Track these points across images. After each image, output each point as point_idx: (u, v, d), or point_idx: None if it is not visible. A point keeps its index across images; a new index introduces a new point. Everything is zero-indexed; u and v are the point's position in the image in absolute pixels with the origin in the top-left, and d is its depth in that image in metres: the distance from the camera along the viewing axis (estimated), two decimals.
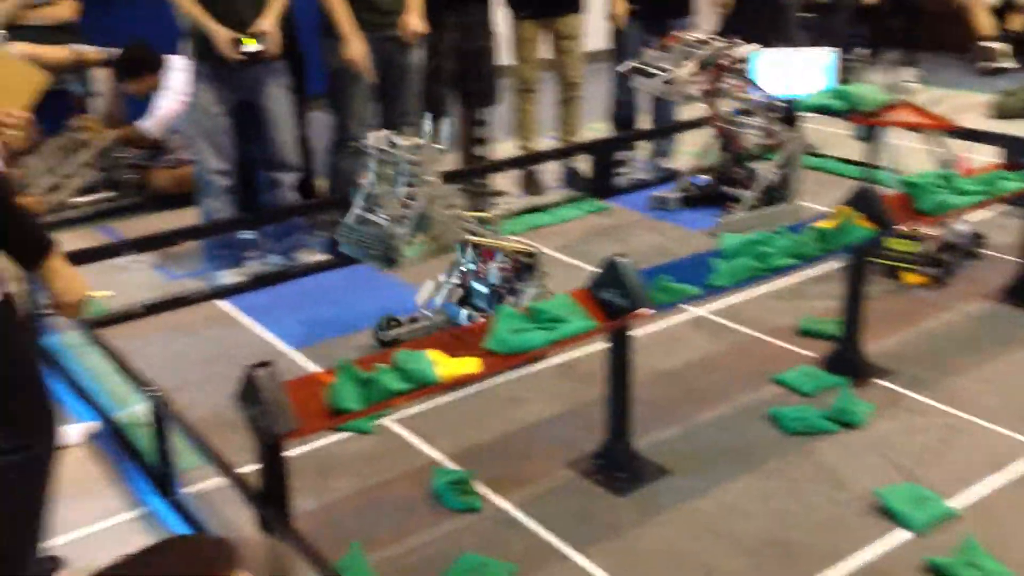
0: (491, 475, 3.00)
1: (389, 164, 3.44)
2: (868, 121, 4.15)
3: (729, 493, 2.90)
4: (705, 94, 4.90)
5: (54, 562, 2.61)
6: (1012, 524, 2.71)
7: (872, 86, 4.41)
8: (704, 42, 4.84)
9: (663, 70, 4.78)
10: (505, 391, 3.50)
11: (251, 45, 4.24)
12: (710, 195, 5.24)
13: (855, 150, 5.10)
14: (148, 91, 5.53)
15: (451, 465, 3.07)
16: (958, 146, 5.16)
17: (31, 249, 2.21)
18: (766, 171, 4.97)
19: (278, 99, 4.43)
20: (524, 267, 3.68)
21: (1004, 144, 5.02)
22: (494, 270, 3.68)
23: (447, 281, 3.78)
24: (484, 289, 3.73)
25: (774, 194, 5.00)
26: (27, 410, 2.30)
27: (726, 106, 4.97)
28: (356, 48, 4.57)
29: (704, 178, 5.35)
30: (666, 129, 5.92)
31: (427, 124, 3.49)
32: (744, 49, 4.84)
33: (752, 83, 4.79)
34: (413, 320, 3.78)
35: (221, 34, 4.20)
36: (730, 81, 4.84)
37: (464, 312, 3.73)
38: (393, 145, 3.42)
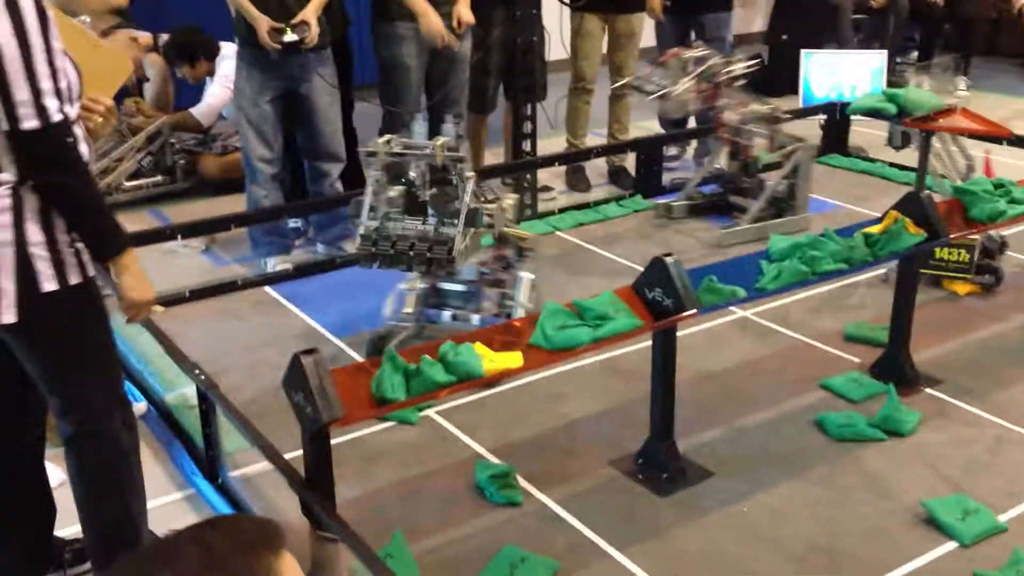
0: (533, 470, 3.00)
1: (400, 167, 3.39)
2: (920, 125, 4.08)
3: (773, 497, 2.87)
4: (705, 109, 4.84)
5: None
6: None
7: (925, 90, 4.33)
8: (702, 59, 4.77)
9: (660, 87, 4.70)
10: (548, 387, 3.50)
11: (291, 35, 4.26)
12: (717, 204, 5.16)
13: (907, 155, 5.03)
14: (202, 77, 5.59)
15: (493, 459, 3.07)
16: (1013, 153, 5.09)
17: (107, 242, 2.25)
18: (773, 182, 4.88)
19: (322, 89, 4.45)
20: (515, 254, 3.65)
21: None
22: (470, 267, 3.59)
23: (413, 288, 3.63)
24: (458, 287, 3.66)
25: (782, 205, 4.91)
26: (103, 392, 2.34)
27: (735, 115, 4.89)
28: (434, 21, 4.57)
29: (712, 186, 5.27)
30: (702, 130, 5.88)
31: (449, 124, 3.48)
32: (741, 65, 4.77)
33: (752, 96, 4.74)
34: (389, 333, 3.59)
35: (261, 23, 4.22)
36: (730, 97, 4.76)
37: (446, 314, 3.64)
38: (407, 148, 3.38)
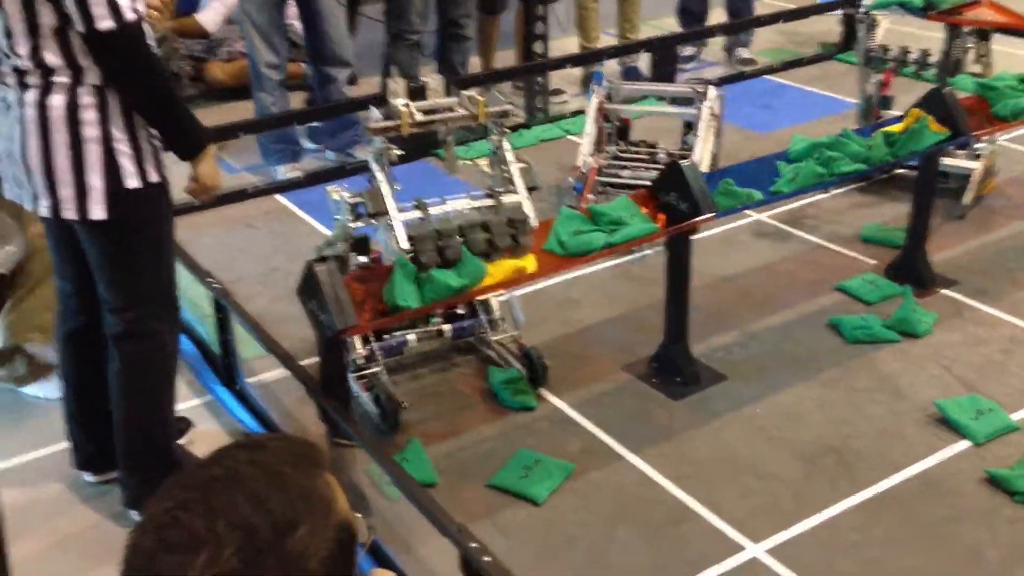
0: (547, 375, 3.01)
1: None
2: (946, 19, 3.95)
3: (786, 399, 2.89)
4: None
5: (184, 422, 2.79)
6: None
7: None
8: None
9: None
10: (562, 292, 3.49)
11: None
12: None
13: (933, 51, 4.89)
14: None
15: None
16: None
17: (191, 140, 2.28)
18: None
19: None
20: None
21: None
22: None
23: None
24: None
25: None
26: (163, 293, 2.38)
27: None
28: None
29: None
30: (727, 26, 5.73)
31: (435, 79, 2.79)
32: None
33: None
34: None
35: None
36: None
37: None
38: (430, 111, 2.65)
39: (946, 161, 3.92)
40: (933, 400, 2.81)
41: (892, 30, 4.49)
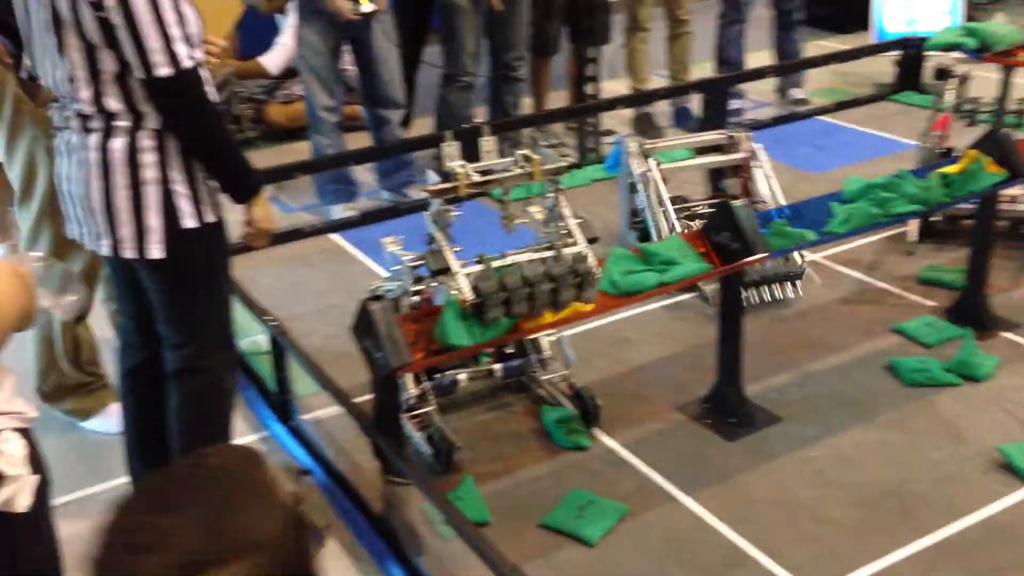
0: (600, 414, 3.01)
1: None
2: (1001, 60, 3.92)
3: (843, 442, 2.84)
4: None
5: None
6: None
7: (1006, 24, 4.15)
8: None
9: None
10: (614, 332, 3.49)
11: (368, 5, 4.25)
12: None
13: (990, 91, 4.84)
14: (276, 8, 5.55)
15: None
16: None
17: (244, 184, 2.35)
18: None
19: (383, 35, 4.43)
20: None
21: None
22: None
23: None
24: None
25: None
26: (219, 330, 2.43)
27: None
28: None
29: None
30: (777, 68, 5.73)
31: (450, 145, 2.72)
32: None
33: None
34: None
35: None
36: None
37: None
38: (485, 172, 2.63)
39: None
40: (995, 445, 2.75)
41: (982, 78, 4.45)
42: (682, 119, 5.60)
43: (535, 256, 2.67)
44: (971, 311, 3.38)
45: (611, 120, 5.42)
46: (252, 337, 3.46)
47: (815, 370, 3.21)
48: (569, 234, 2.68)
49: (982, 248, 3.36)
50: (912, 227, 3.93)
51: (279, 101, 5.71)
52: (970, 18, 6.11)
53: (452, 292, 2.58)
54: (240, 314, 3.37)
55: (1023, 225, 3.94)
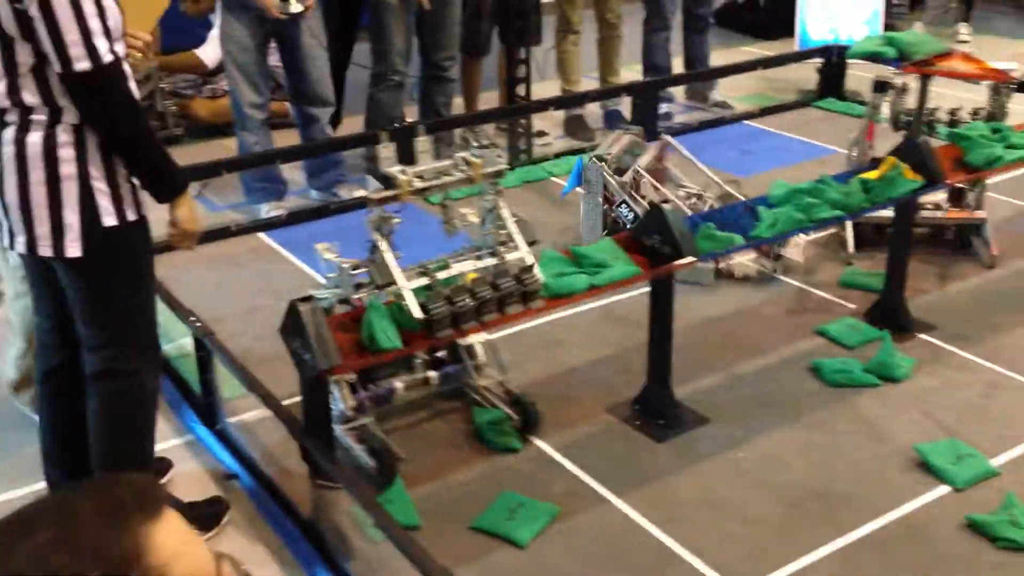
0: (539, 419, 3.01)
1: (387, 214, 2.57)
2: (919, 69, 4.03)
3: (769, 443, 2.90)
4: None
5: (164, 463, 2.77)
6: None
7: (924, 34, 4.28)
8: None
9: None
10: (545, 334, 3.50)
11: (296, 5, 4.19)
12: None
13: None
14: (205, 12, 5.45)
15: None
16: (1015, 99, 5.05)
17: (168, 183, 2.29)
18: None
19: (310, 32, 4.37)
20: None
21: None
22: None
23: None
24: None
25: None
26: (142, 331, 2.37)
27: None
28: None
29: None
30: (709, 72, 5.83)
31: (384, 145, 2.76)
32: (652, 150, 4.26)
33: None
34: None
35: None
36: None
37: None
38: (426, 176, 2.60)
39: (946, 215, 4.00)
40: (913, 445, 2.83)
41: (861, 76, 4.57)
42: (612, 121, 5.65)
43: (479, 264, 2.64)
44: (890, 314, 3.48)
45: (543, 122, 5.45)
46: (177, 342, 3.39)
47: (742, 372, 3.27)
48: (509, 237, 2.68)
49: (900, 252, 3.46)
50: (849, 237, 4.00)
51: (205, 96, 5.60)
52: (889, 28, 6.29)
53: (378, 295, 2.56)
54: (164, 315, 3.30)
55: (946, 231, 4.07)
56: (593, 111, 5.69)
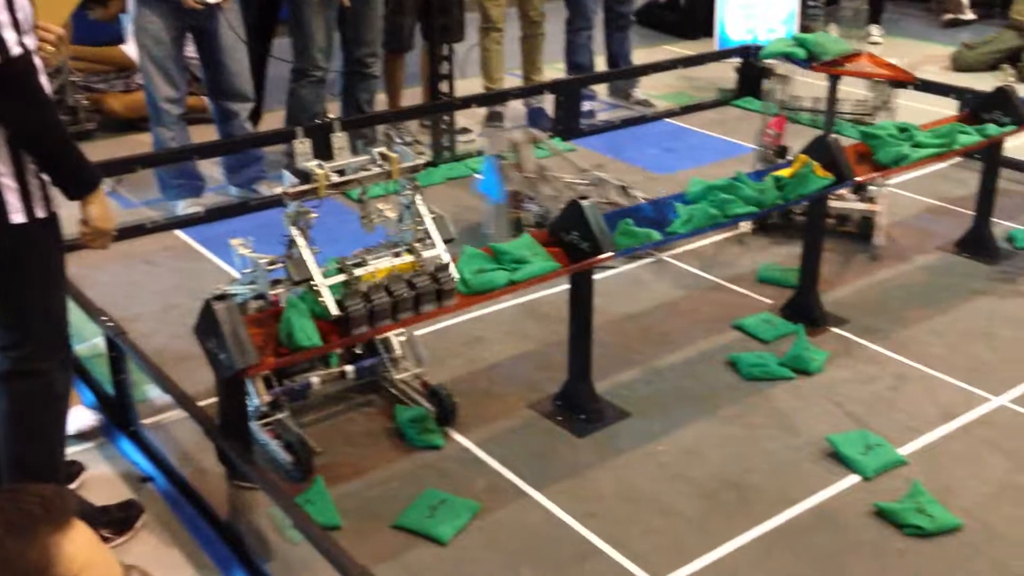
0: (457, 412, 3.01)
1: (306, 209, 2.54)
2: (827, 70, 4.15)
3: (687, 436, 2.95)
4: None
5: (75, 466, 2.71)
6: (958, 471, 2.79)
7: (833, 35, 4.39)
8: None
9: None
10: (467, 331, 3.50)
11: None
12: None
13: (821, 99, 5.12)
14: (115, 15, 5.35)
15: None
16: (918, 98, 5.22)
17: (80, 180, 2.23)
18: None
19: (229, 25, 4.30)
20: None
21: (960, 97, 5.10)
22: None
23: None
24: None
25: None
26: (52, 331, 2.31)
27: None
28: None
29: None
30: (631, 70, 5.89)
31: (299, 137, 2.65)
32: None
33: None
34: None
35: None
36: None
37: None
38: (343, 171, 2.58)
39: (846, 205, 4.11)
40: (825, 436, 2.91)
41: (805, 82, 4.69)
42: (536, 119, 5.67)
43: (396, 261, 2.62)
44: (804, 308, 3.57)
45: (466, 119, 5.44)
46: (90, 342, 3.30)
47: (661, 366, 3.31)
48: (426, 233, 2.67)
49: (813, 249, 3.55)
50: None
51: (118, 90, 5.46)
52: (804, 29, 6.44)
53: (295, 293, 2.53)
54: (75, 315, 3.21)
55: (846, 223, 4.18)
56: (516, 109, 5.70)
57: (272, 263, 2.70)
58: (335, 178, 2.55)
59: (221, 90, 4.44)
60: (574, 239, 2.87)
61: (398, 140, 5.28)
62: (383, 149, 2.64)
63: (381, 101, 5.36)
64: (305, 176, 2.53)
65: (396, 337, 3.07)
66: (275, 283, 2.76)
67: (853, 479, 2.76)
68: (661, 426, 2.99)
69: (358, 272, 2.54)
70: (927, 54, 7.32)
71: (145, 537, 2.53)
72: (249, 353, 2.35)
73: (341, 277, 2.53)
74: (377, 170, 2.61)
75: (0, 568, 0.90)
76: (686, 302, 3.75)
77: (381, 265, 2.60)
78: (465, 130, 5.39)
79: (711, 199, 3.21)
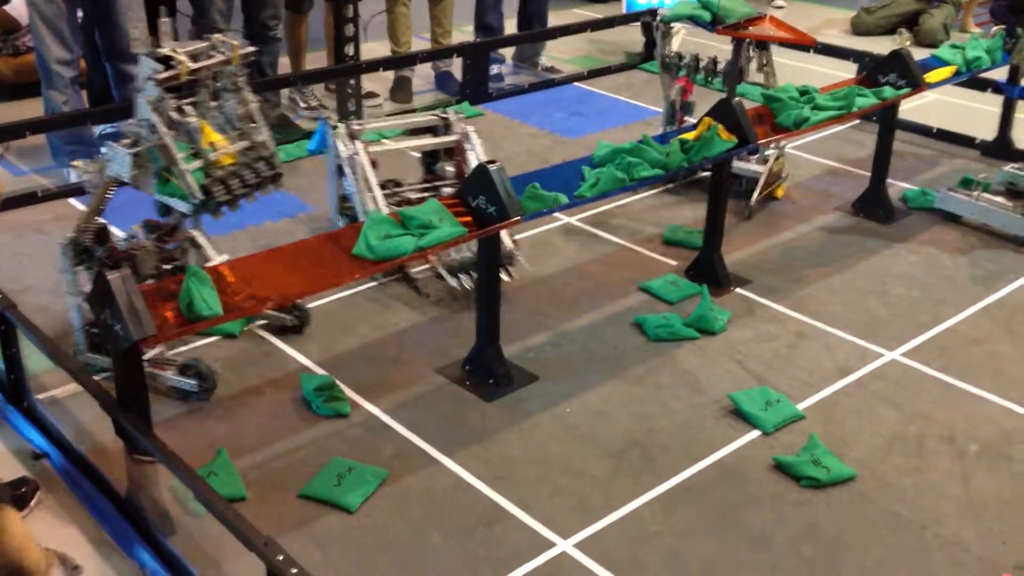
0: (360, 381, 2.99)
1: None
2: (731, 33, 4.20)
3: (594, 397, 2.98)
4: None
5: None
6: (852, 425, 2.89)
7: None
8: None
9: None
10: (374, 297, 3.47)
11: None
12: None
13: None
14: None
15: (319, 371, 3.04)
16: (818, 61, 5.34)
17: None
18: None
19: None
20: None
21: (859, 60, 5.23)
22: None
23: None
24: None
25: None
26: None
27: None
28: None
29: None
30: (541, 33, 5.87)
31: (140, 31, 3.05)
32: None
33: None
34: None
35: None
36: None
37: None
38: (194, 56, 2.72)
39: (739, 165, 4.18)
40: (727, 393, 2.98)
41: (690, 41, 4.73)
42: (443, 83, 5.62)
43: (237, 147, 2.78)
44: (708, 269, 3.63)
45: (373, 83, 5.36)
46: None
47: (569, 329, 3.34)
48: (251, 118, 2.83)
49: (717, 211, 3.61)
50: None
51: (6, 54, 5.21)
52: None
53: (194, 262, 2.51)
54: None
55: (740, 181, 4.24)
56: (424, 72, 5.64)
57: (134, 145, 2.69)
58: (192, 64, 2.69)
59: (116, 51, 4.27)
60: (481, 204, 2.86)
61: (303, 104, 5.19)
62: (222, 36, 2.81)
63: (284, 65, 5.23)
64: (167, 61, 2.65)
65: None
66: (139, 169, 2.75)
67: (754, 434, 2.84)
68: (569, 388, 3.02)
69: (212, 158, 2.70)
70: (827, 18, 7.48)
71: (41, 514, 2.46)
72: (147, 324, 2.29)
73: (197, 163, 2.67)
74: (220, 56, 2.76)
75: None
76: (594, 265, 3.78)
77: (226, 151, 2.75)
78: (371, 94, 5.31)
79: (618, 162, 3.24)
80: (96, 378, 2.59)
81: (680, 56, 4.34)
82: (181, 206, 2.71)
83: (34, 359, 2.83)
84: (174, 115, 2.70)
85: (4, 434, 2.75)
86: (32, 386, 2.86)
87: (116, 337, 2.31)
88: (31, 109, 4.54)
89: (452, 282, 3.45)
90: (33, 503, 2.47)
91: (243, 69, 2.80)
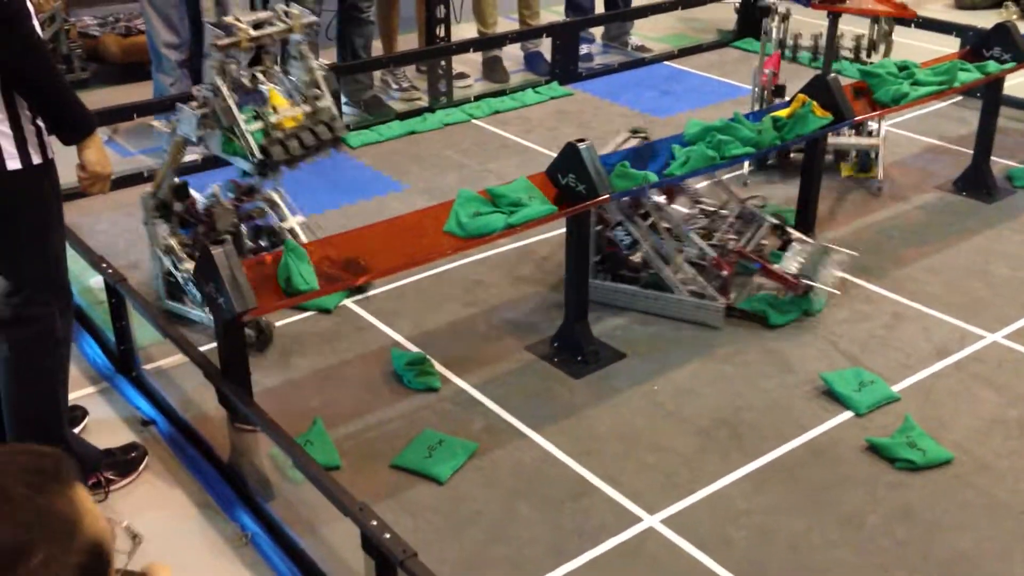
0: (450, 356, 3.05)
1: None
2: (828, 7, 4.10)
3: (681, 375, 2.98)
4: None
5: (79, 411, 2.77)
6: (949, 407, 2.83)
7: None
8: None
9: None
10: (464, 274, 3.52)
11: None
12: None
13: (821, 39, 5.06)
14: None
15: (410, 346, 3.11)
16: (919, 36, 5.17)
17: (75, 124, 2.23)
18: None
19: None
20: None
21: (962, 34, 5.05)
22: None
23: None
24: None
25: None
26: (52, 277, 2.33)
27: None
28: None
29: None
30: (631, 12, 5.82)
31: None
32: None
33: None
34: None
35: None
36: None
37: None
38: (257, 25, 2.86)
39: (850, 141, 4.11)
40: (819, 373, 2.93)
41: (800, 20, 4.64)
42: (533, 63, 5.63)
43: (297, 111, 2.88)
44: None
45: (463, 64, 5.40)
46: (87, 286, 3.33)
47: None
48: (316, 85, 2.91)
49: (811, 189, 3.55)
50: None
51: (117, 33, 5.40)
52: None
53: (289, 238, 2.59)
54: (75, 263, 3.24)
55: (848, 156, 4.15)
56: (513, 53, 5.66)
57: (201, 106, 2.85)
58: (253, 32, 2.80)
59: None
60: (570, 182, 2.87)
61: (395, 86, 5.27)
62: (283, 6, 2.92)
63: (377, 47, 5.32)
64: (228, 29, 2.78)
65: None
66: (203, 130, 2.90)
67: (846, 415, 2.80)
68: (656, 366, 3.02)
69: (272, 120, 2.82)
70: None
71: (149, 479, 2.58)
72: (249, 296, 2.38)
73: (259, 124, 2.80)
74: (282, 25, 2.86)
75: (36, 524, 0.91)
76: None
77: (288, 114, 2.86)
78: (462, 75, 5.35)
79: (708, 140, 3.21)
80: (198, 348, 2.70)
81: (797, 37, 4.23)
82: (243, 164, 2.86)
83: (142, 331, 2.96)
84: (246, 82, 2.85)
85: (114, 402, 2.90)
86: (140, 356, 3.00)
87: (219, 309, 2.41)
88: (141, 92, 4.71)
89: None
90: (142, 467, 2.60)
91: (306, 37, 2.91)
